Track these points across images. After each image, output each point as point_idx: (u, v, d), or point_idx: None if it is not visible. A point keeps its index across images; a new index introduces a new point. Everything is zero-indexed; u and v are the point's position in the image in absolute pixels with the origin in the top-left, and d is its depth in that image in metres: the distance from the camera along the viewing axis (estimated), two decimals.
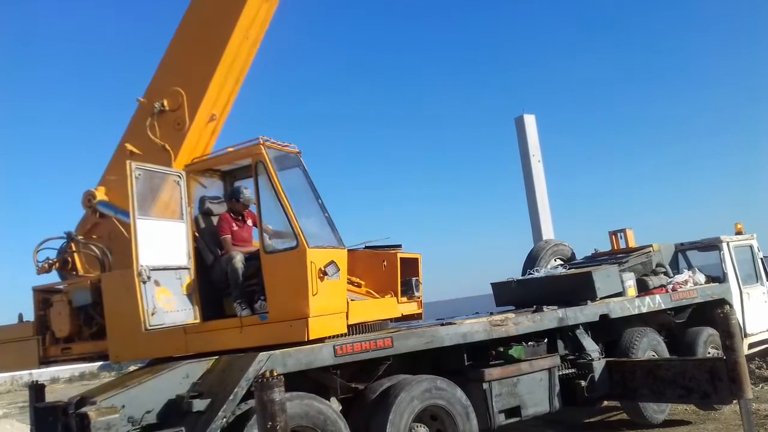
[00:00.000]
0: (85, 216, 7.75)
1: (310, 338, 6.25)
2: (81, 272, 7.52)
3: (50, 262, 7.59)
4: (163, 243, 6.25)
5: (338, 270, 6.49)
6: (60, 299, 7.32)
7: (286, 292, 6.36)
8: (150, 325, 5.90)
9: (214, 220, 7.36)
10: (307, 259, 6.25)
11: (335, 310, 6.57)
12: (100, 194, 7.56)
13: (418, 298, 8.47)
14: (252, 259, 6.74)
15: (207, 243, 7.04)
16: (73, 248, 7.54)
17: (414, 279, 8.33)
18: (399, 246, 8.03)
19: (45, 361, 7.48)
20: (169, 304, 6.14)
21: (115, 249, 7.34)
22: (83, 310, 7.21)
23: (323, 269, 6.35)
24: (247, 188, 7.25)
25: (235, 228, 7.16)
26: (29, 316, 7.69)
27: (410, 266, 8.50)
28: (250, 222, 7.38)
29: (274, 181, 6.55)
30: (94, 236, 7.59)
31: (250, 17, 7.63)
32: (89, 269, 7.49)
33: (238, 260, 6.67)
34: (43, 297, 7.52)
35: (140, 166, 6.31)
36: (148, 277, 5.99)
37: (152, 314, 5.96)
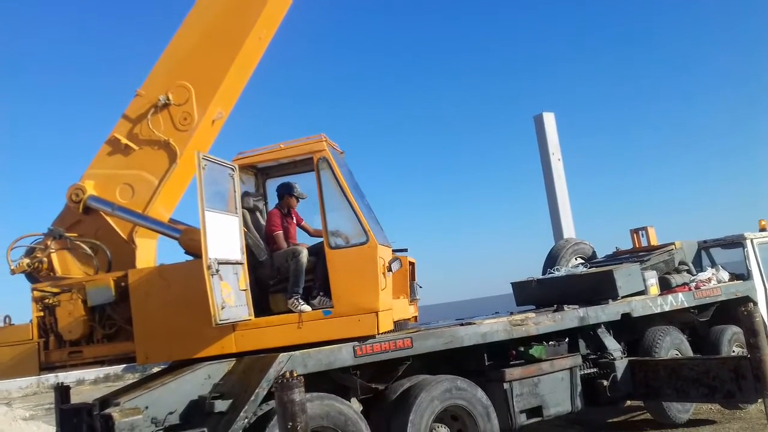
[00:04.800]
0: (64, 212, 7.28)
1: (379, 332, 6.41)
2: (59, 272, 7.00)
3: (33, 260, 6.97)
4: (222, 237, 6.08)
5: (400, 266, 6.77)
6: (70, 298, 6.70)
7: (355, 287, 6.43)
8: (220, 320, 5.73)
9: (258, 216, 7.35)
10: (377, 255, 6.40)
11: (390, 306, 6.77)
12: (90, 189, 7.16)
13: (417, 300, 8.51)
14: (309, 254, 6.78)
15: (255, 238, 7.01)
16: (55, 246, 7.04)
17: (415, 282, 8.36)
18: (405, 250, 8.03)
19: (47, 367, 6.83)
20: (230, 299, 5.98)
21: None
22: (98, 310, 6.73)
23: (389, 265, 6.57)
24: (297, 183, 7.29)
25: (285, 224, 7.19)
26: (17, 318, 7.05)
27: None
28: (294, 219, 7.44)
29: (339, 178, 6.65)
30: (77, 233, 7.13)
31: (269, 16, 7.65)
32: (69, 269, 7.03)
33: (304, 255, 6.67)
34: (45, 297, 6.81)
35: (206, 157, 6.11)
36: (217, 270, 5.82)
37: (222, 308, 5.78)
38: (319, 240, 6.97)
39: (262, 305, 6.68)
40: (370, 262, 6.45)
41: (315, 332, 6.40)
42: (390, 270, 6.66)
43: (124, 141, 7.29)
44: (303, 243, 7.27)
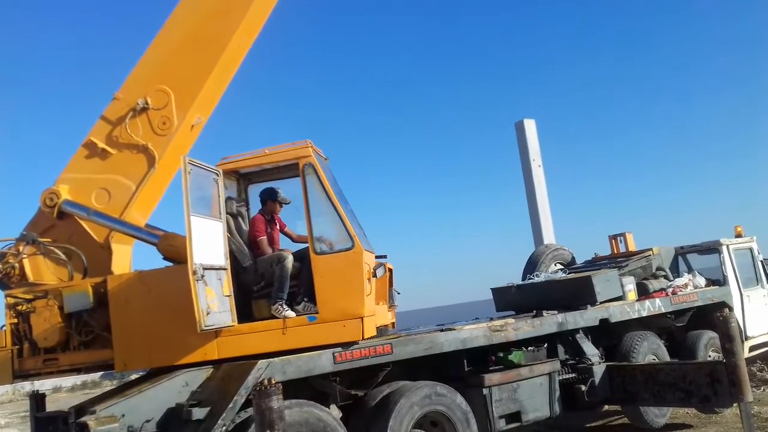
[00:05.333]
0: (37, 216, 7.13)
1: (365, 337, 6.45)
2: (31, 278, 6.82)
3: (5, 266, 6.77)
4: (206, 242, 6.01)
5: (385, 272, 6.77)
6: (45, 304, 6.50)
7: (340, 293, 6.44)
8: (205, 326, 5.68)
9: (240, 221, 7.28)
10: (363, 260, 6.42)
11: (374, 312, 6.80)
12: (65, 193, 7.00)
13: (395, 307, 8.53)
14: (294, 260, 6.76)
15: (238, 244, 6.95)
16: (28, 251, 6.83)
17: (392, 289, 8.40)
18: (385, 256, 8.07)
19: (21, 375, 6.64)
20: (214, 305, 5.91)
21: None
22: (75, 317, 6.56)
23: (374, 270, 6.62)
24: (280, 189, 7.26)
25: (269, 230, 7.15)
26: None
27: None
28: (277, 225, 7.41)
29: (324, 184, 6.67)
30: (50, 239, 6.96)
31: (251, 21, 7.63)
32: (42, 275, 6.84)
33: (290, 261, 6.64)
34: (18, 303, 6.60)
35: (192, 162, 6.03)
36: (202, 276, 5.75)
37: (207, 314, 5.71)
38: (303, 246, 6.97)
39: (244, 311, 6.64)
40: (356, 268, 6.47)
41: (300, 338, 6.38)
42: (375, 276, 6.68)
43: (101, 145, 7.19)
44: (287, 249, 7.26)
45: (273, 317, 6.51)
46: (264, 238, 6.99)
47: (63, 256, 6.87)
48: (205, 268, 5.83)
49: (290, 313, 6.48)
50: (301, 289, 6.72)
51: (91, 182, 7.15)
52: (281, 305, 6.51)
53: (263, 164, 7.21)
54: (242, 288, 6.77)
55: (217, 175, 6.51)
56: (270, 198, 7.25)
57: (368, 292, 6.53)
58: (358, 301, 6.43)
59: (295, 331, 6.40)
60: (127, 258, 7.30)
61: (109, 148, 7.19)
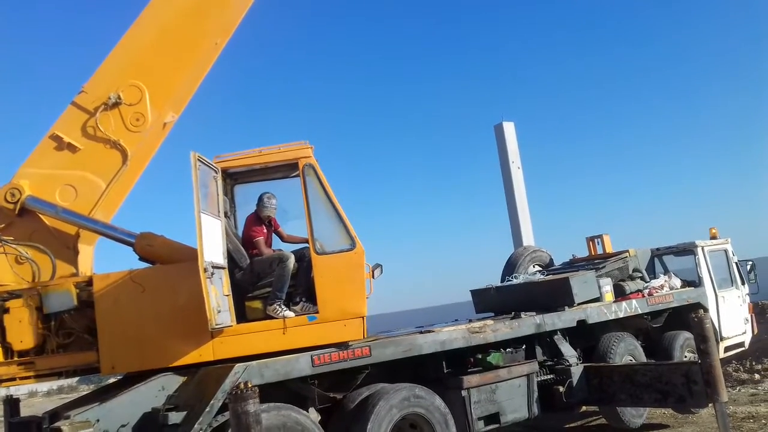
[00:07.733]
0: None
1: (365, 336, 6.54)
2: None
3: None
4: (209, 240, 5.90)
5: (382, 273, 6.91)
6: (21, 305, 6.22)
7: (342, 293, 6.49)
8: (216, 324, 5.62)
9: (229, 221, 7.21)
10: (364, 260, 6.52)
11: (366, 312, 6.81)
12: (27, 189, 6.68)
13: None
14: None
15: (235, 243, 6.87)
16: None
17: None
18: None
19: None
20: (220, 304, 5.86)
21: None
22: (54, 318, 6.32)
23: (372, 271, 6.70)
24: (271, 197, 7.14)
25: (264, 230, 7.10)
26: None
27: None
28: (271, 225, 7.35)
29: (324, 184, 6.67)
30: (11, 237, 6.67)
31: (228, 19, 7.57)
32: None
33: (291, 261, 6.63)
34: None
35: (200, 158, 5.92)
36: (212, 274, 5.68)
37: (218, 312, 5.65)
38: (294, 246, 7.01)
39: (237, 312, 6.52)
40: (358, 268, 6.55)
41: (300, 338, 6.39)
42: (373, 277, 6.75)
43: (68, 139, 6.90)
44: (279, 249, 7.23)
45: (268, 317, 6.46)
46: (261, 239, 6.95)
47: (27, 255, 6.59)
48: (214, 266, 5.80)
49: (289, 314, 6.47)
50: (299, 289, 6.73)
51: (56, 178, 6.86)
52: (279, 305, 6.49)
53: (260, 164, 7.09)
54: (236, 288, 6.67)
55: (216, 173, 6.46)
56: (266, 204, 7.13)
57: (369, 292, 6.63)
58: (360, 300, 6.51)
59: (295, 331, 6.40)
60: (90, 258, 7.09)
61: (76, 143, 6.92)
